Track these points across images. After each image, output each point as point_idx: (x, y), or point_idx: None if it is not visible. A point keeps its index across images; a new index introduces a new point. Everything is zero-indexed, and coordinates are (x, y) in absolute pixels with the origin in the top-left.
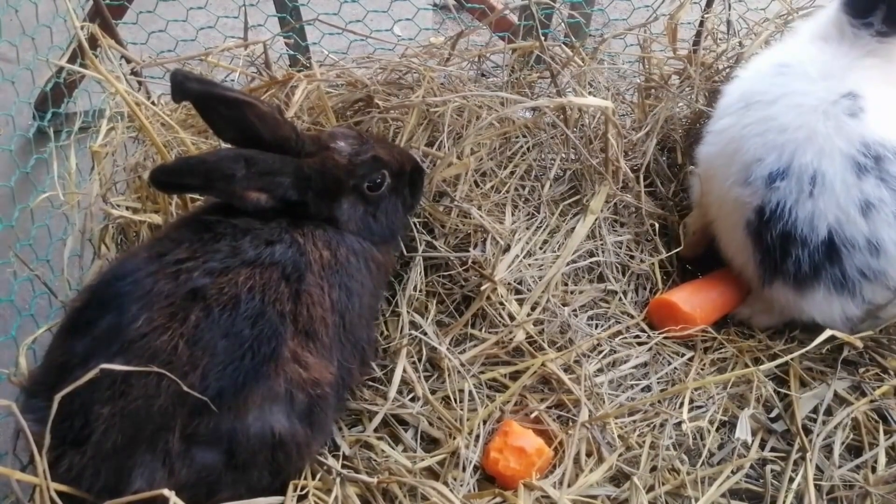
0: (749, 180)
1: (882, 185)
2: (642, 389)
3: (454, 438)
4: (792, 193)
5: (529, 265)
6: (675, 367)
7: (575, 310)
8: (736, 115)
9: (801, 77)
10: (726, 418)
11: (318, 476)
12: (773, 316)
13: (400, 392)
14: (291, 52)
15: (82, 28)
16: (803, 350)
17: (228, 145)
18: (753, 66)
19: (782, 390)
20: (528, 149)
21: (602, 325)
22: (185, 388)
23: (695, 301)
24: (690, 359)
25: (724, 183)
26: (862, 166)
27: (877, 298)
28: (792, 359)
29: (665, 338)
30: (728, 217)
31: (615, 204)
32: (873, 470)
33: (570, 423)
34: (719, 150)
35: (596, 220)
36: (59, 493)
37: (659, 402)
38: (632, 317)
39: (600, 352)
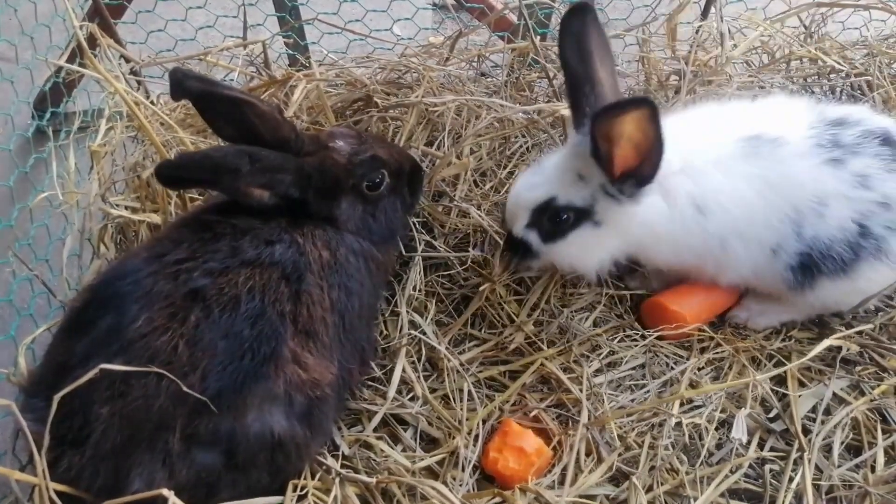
0: (778, 258)
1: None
2: (641, 390)
3: (453, 438)
4: (822, 245)
5: None
6: (674, 368)
7: (573, 311)
8: (703, 225)
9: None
10: (725, 417)
11: (317, 476)
12: (771, 317)
13: (399, 392)
14: (290, 52)
15: (81, 27)
16: (802, 360)
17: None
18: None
19: (781, 390)
20: (527, 149)
21: (601, 326)
22: (185, 389)
23: (683, 302)
24: (688, 359)
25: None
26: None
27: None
28: (791, 367)
29: (661, 338)
30: (765, 274)
31: None
32: (872, 469)
33: (570, 423)
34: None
35: None
36: (59, 493)
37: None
38: (629, 318)
39: (599, 353)
